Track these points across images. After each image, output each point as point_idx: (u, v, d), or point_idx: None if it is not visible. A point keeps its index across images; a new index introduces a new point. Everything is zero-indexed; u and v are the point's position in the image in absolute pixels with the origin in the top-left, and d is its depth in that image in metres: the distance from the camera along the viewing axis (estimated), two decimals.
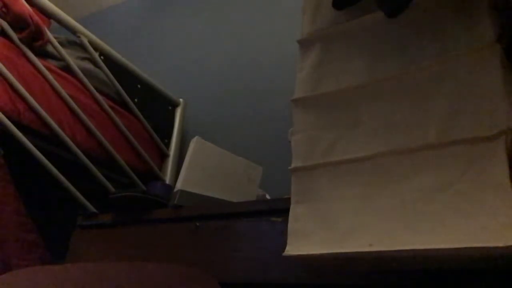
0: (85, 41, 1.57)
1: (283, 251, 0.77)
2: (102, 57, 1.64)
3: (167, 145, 1.92)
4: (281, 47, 1.88)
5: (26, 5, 1.37)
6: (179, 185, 1.23)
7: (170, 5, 2.53)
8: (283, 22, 1.96)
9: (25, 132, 1.26)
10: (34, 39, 1.39)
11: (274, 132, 1.71)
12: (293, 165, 0.85)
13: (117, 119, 1.60)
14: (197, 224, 1.14)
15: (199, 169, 1.28)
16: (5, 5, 1.32)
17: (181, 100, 2.08)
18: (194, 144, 1.30)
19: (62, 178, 1.33)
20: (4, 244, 1.18)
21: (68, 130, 1.39)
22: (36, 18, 1.38)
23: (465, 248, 0.61)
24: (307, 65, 0.91)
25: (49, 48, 1.48)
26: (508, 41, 0.72)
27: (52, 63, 1.47)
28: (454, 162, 0.67)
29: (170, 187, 1.38)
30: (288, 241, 0.78)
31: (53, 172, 1.31)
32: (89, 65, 1.59)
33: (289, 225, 0.80)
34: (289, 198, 0.83)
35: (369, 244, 0.69)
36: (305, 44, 0.93)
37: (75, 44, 1.59)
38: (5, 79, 1.25)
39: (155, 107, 1.91)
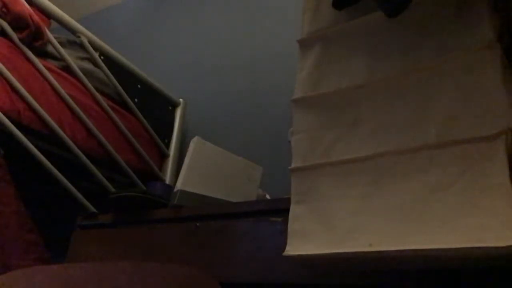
0: (85, 41, 1.56)
1: (283, 251, 0.78)
2: (102, 57, 1.63)
3: (167, 145, 1.91)
4: (281, 47, 1.88)
5: (26, 5, 1.37)
6: (179, 185, 1.23)
7: (170, 5, 2.53)
8: (283, 22, 1.96)
9: (25, 132, 1.26)
10: (34, 39, 1.39)
11: (274, 132, 1.71)
12: (293, 165, 0.85)
13: (117, 119, 1.60)
14: (197, 224, 1.14)
15: (199, 169, 1.28)
16: (5, 5, 1.31)
17: (181, 100, 2.08)
18: (194, 144, 1.30)
19: (62, 178, 1.33)
20: (4, 244, 1.18)
21: (68, 130, 1.39)
22: (36, 18, 1.38)
23: (465, 248, 0.61)
24: (307, 65, 0.91)
25: (49, 48, 1.48)
26: (508, 41, 0.72)
27: (52, 63, 1.47)
28: (454, 162, 0.67)
29: (170, 187, 1.38)
30: (288, 241, 0.78)
31: (53, 172, 1.31)
32: (89, 65, 1.59)
33: (289, 225, 0.80)
34: (289, 198, 0.83)
35: (369, 244, 0.69)
36: (305, 44, 0.93)
37: (75, 44, 1.59)
38: (5, 79, 1.25)
39: (155, 107, 1.91)
